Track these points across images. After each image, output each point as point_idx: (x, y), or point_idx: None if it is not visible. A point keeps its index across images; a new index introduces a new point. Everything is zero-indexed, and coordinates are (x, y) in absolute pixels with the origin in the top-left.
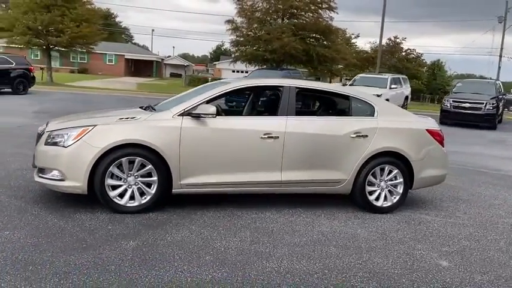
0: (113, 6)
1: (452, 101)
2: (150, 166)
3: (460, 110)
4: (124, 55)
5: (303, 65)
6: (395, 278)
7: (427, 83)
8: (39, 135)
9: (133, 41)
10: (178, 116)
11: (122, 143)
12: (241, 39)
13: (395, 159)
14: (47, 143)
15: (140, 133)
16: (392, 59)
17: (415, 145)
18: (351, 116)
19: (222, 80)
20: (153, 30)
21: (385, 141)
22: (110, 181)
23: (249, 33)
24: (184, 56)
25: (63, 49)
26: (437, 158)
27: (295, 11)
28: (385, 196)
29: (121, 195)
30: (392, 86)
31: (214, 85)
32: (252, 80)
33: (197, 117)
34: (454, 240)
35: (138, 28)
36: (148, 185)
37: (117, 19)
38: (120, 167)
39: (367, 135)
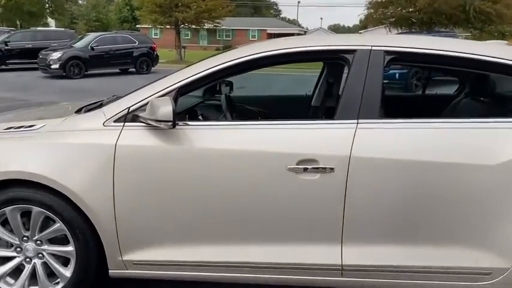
0: None
1: None
2: (59, 224)
3: None
4: (266, 30)
5: (461, 27)
6: None
7: None
8: None
9: (281, 15)
10: (115, 122)
11: None
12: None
13: None
14: None
15: (32, 159)
16: None
17: None
18: None
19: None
20: (299, 2)
21: None
22: None
23: None
24: (335, 27)
25: (190, 25)
26: None
27: None
28: None
29: (13, 275)
30: None
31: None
32: (277, 43)
33: (148, 124)
34: None
35: (287, 1)
36: (65, 260)
37: None
38: (6, 223)
39: None
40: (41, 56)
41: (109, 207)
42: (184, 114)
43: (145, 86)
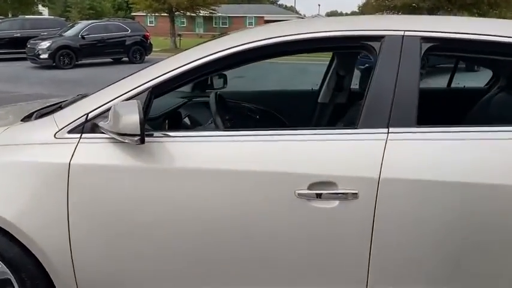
0: None
1: None
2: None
3: None
4: (263, 16)
5: (467, 12)
6: None
7: None
8: None
9: (278, 2)
10: (69, 133)
11: None
12: None
13: None
14: None
15: None
16: None
17: None
18: None
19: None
20: None
21: None
22: None
23: None
24: (332, 14)
25: (186, 13)
26: None
27: None
28: None
29: None
30: None
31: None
32: (280, 28)
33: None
34: None
35: None
36: None
37: None
38: None
39: None
40: (29, 46)
41: (63, 244)
42: (164, 119)
43: (111, 84)
